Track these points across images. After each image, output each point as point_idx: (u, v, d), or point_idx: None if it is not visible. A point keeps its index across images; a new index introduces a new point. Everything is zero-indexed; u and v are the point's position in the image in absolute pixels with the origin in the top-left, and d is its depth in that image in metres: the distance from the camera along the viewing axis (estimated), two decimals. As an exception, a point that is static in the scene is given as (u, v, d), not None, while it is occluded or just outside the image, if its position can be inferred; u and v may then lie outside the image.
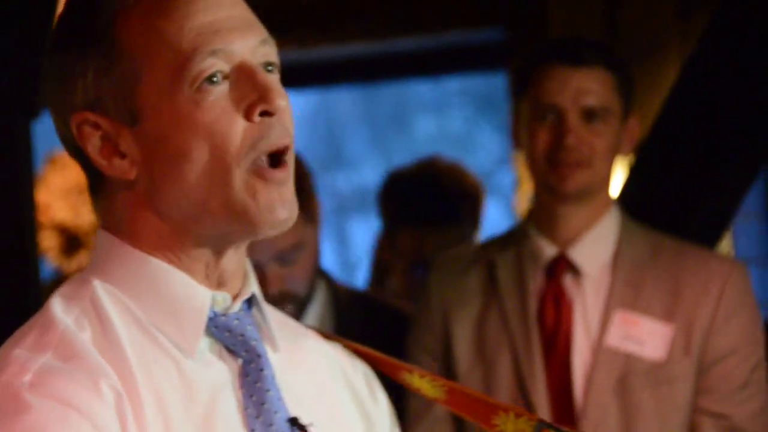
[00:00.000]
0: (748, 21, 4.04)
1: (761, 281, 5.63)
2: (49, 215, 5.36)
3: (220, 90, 1.85)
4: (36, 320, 1.86)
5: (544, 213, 3.54)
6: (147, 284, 1.90)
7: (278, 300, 3.52)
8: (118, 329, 1.85)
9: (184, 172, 1.85)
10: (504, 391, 3.41)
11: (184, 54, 1.84)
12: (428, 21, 6.03)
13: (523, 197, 5.73)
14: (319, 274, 3.97)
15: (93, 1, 1.89)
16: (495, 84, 6.98)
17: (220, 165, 1.85)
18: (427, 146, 10.08)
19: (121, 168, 1.87)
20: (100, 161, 1.88)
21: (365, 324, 3.89)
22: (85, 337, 1.83)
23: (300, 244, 3.66)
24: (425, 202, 4.65)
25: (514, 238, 3.63)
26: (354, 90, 9.61)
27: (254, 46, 1.88)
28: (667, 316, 3.42)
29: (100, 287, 1.89)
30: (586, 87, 3.43)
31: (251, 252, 3.04)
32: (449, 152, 6.76)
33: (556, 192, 3.46)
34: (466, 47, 6.36)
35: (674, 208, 3.88)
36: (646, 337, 3.41)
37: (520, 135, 3.54)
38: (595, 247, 3.49)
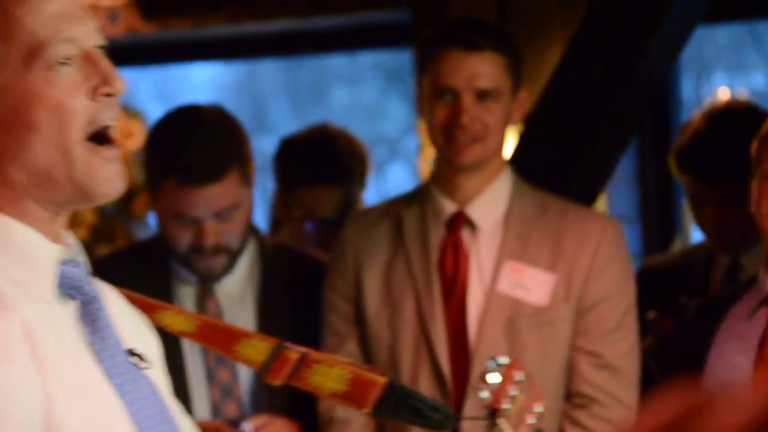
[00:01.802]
0: (618, 11, 4.08)
1: (632, 237, 5.67)
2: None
3: (69, 71, 1.87)
4: None
5: (443, 176, 3.55)
6: (4, 239, 1.89)
7: (214, 251, 3.55)
8: None
9: (31, 142, 1.85)
10: (408, 330, 3.43)
11: (39, 38, 1.85)
12: (344, 2, 6.02)
13: (426, 161, 5.71)
14: (251, 229, 3.99)
15: None
16: (403, 59, 7.00)
17: (64, 138, 1.86)
18: (341, 115, 10.06)
19: None
20: None
21: (289, 271, 3.91)
22: None
23: (237, 203, 3.67)
24: (318, 164, 4.63)
25: (418, 197, 3.64)
26: (277, 63, 9.58)
27: (93, 31, 1.91)
28: (551, 266, 3.45)
29: None
30: (478, 70, 3.43)
31: (193, 209, 3.06)
32: (362, 120, 6.71)
33: (452, 163, 3.48)
34: (377, 26, 6.34)
35: (558, 171, 3.89)
36: (532, 284, 3.44)
37: (423, 107, 3.55)
38: (490, 205, 3.50)
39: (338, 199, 4.54)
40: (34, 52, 1.85)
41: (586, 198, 3.97)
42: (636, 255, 5.48)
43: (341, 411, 3.49)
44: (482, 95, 3.43)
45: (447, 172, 3.54)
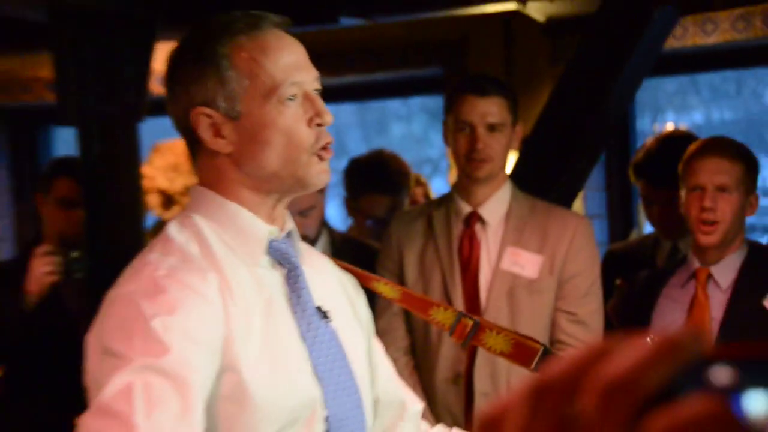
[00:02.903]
0: (588, 68, 4.06)
1: (601, 229, 5.64)
2: (153, 183, 5.32)
3: (294, 105, 1.90)
4: (159, 239, 1.90)
5: (463, 186, 3.52)
6: (229, 219, 1.92)
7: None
8: (213, 246, 1.89)
9: (264, 152, 1.88)
10: (436, 296, 3.41)
11: (276, 81, 1.88)
12: (398, 63, 6.00)
13: (453, 175, 5.72)
14: (324, 224, 3.98)
15: (210, 36, 1.91)
16: (440, 102, 7.03)
17: (290, 151, 1.89)
18: (398, 142, 10.04)
19: (221, 145, 1.90)
20: (207, 139, 1.90)
21: (351, 255, 3.90)
22: (193, 250, 1.87)
23: (314, 205, 3.88)
24: (375, 178, 4.65)
25: (444, 201, 3.62)
26: (352, 105, 9.63)
27: (313, 79, 1.94)
28: (539, 250, 3.43)
29: (199, 220, 1.92)
30: (489, 110, 3.41)
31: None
32: (412, 146, 6.62)
33: (470, 177, 3.46)
34: (421, 78, 6.34)
35: (544, 182, 3.88)
36: (526, 263, 3.42)
37: (448, 138, 3.53)
38: (495, 206, 3.48)
39: (388, 204, 4.53)
40: (271, 90, 1.88)
41: (566, 201, 3.97)
42: (604, 242, 5.45)
43: (390, 350, 3.49)
44: (491, 128, 3.41)
45: (465, 183, 3.51)
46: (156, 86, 5.67)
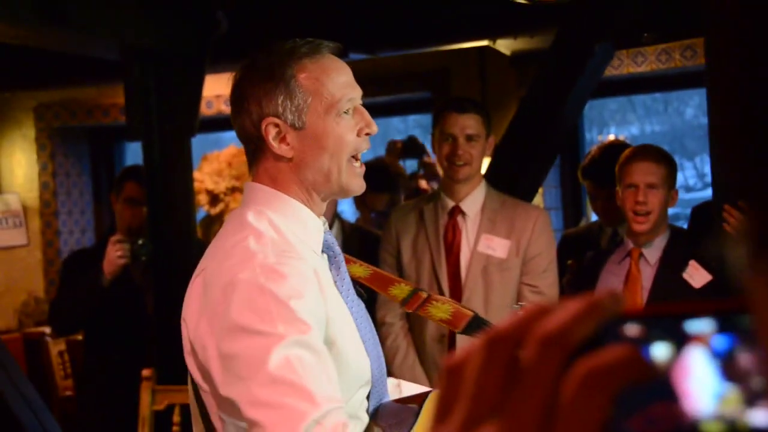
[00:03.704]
0: (545, 90, 4.05)
1: (557, 219, 5.62)
2: (202, 185, 5.33)
3: (348, 118, 1.82)
4: (242, 228, 1.74)
5: (447, 186, 3.50)
6: (293, 213, 1.81)
7: None
8: (289, 237, 1.76)
9: (322, 158, 1.80)
10: (425, 274, 3.38)
11: (335, 97, 1.81)
12: (396, 87, 5.98)
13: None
14: (336, 215, 3.96)
15: (280, 59, 1.83)
16: (430, 119, 7.03)
17: (339, 157, 1.81)
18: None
19: (285, 150, 1.80)
20: (274, 145, 1.80)
21: (359, 241, 3.90)
22: (278, 239, 1.74)
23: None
24: (378, 179, 4.62)
25: (433, 197, 3.59)
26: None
27: (360, 95, 1.86)
28: (507, 236, 3.39)
29: (271, 214, 1.78)
30: (467, 124, 3.38)
31: None
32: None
33: (452, 178, 3.43)
34: (416, 100, 6.31)
35: (512, 181, 3.86)
36: (497, 246, 3.39)
37: (435, 147, 3.51)
38: (473, 202, 3.45)
39: (388, 200, 4.52)
40: (331, 105, 1.81)
41: (528, 197, 3.94)
42: (560, 229, 5.42)
43: (389, 317, 3.47)
44: (469, 138, 3.38)
45: (449, 183, 3.48)
46: (204, 108, 5.66)
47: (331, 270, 1.83)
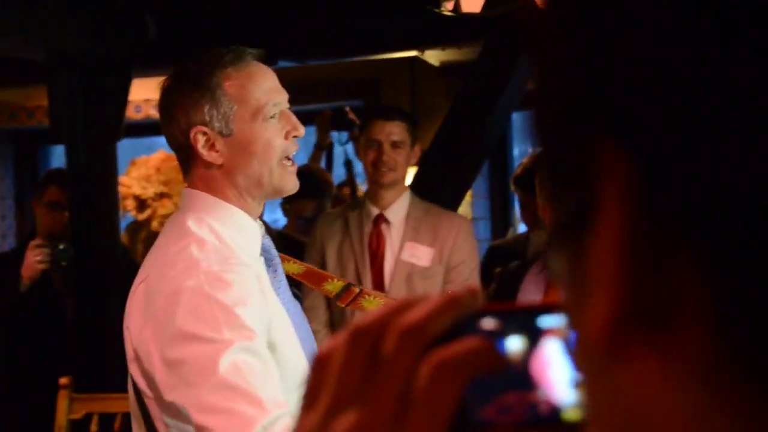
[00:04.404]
0: (470, 101, 4.11)
1: (485, 229, 5.68)
2: (129, 191, 5.27)
3: (274, 122, 1.87)
4: (185, 238, 1.77)
5: (372, 193, 3.54)
6: (234, 220, 1.85)
7: None
8: (229, 243, 1.79)
9: (252, 163, 1.85)
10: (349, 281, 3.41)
11: (260, 103, 1.86)
12: (328, 96, 5.99)
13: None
14: (263, 221, 3.94)
15: (204, 68, 1.88)
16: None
17: (269, 161, 1.85)
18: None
19: (215, 158, 1.85)
20: (203, 153, 1.85)
21: (285, 248, 3.88)
22: (221, 247, 1.77)
23: None
24: (304, 186, 4.60)
25: (358, 205, 3.63)
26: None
27: (286, 99, 1.91)
28: (431, 244, 3.45)
29: (210, 220, 1.82)
30: (392, 130, 3.43)
31: None
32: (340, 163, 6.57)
33: (377, 183, 3.47)
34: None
35: (436, 190, 3.90)
36: (421, 254, 3.44)
37: (360, 153, 3.55)
38: (397, 210, 3.50)
39: (315, 206, 4.51)
40: (257, 111, 1.85)
41: (452, 206, 3.98)
42: (488, 239, 5.48)
43: (313, 324, 3.48)
44: (394, 144, 3.43)
45: (374, 190, 3.53)
46: (131, 112, 5.60)
47: (268, 272, 1.87)
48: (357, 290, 2.20)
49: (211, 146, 1.85)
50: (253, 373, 1.58)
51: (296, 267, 2.19)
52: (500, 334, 0.48)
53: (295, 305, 1.93)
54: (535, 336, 0.48)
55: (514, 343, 0.48)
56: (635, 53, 0.34)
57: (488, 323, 0.49)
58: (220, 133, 1.84)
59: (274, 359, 1.68)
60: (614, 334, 0.35)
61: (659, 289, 0.34)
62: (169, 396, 1.64)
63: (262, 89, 1.87)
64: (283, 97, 1.90)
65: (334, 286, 2.21)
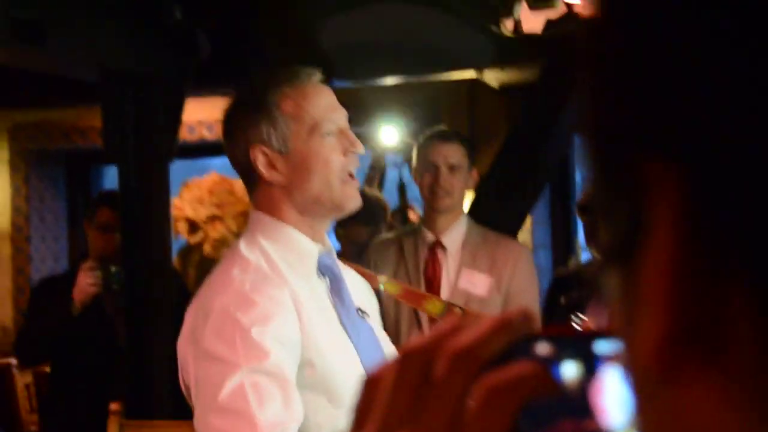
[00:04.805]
0: (529, 128, 4.09)
1: (545, 256, 5.64)
2: (182, 213, 5.34)
3: (332, 139, 1.91)
4: (234, 258, 1.89)
5: (428, 218, 3.53)
6: (286, 240, 1.91)
7: None
8: (277, 263, 1.87)
9: (311, 180, 1.90)
10: (405, 310, 3.38)
11: (316, 120, 1.91)
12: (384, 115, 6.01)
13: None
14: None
15: (261, 89, 1.95)
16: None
17: (329, 176, 1.89)
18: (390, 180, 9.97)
19: (275, 176, 1.91)
20: (264, 172, 1.91)
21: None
22: (264, 266, 1.86)
23: None
24: (359, 212, 4.59)
25: (413, 230, 3.62)
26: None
27: (344, 116, 1.96)
28: (489, 272, 3.41)
29: (264, 242, 1.90)
30: (450, 153, 3.42)
31: None
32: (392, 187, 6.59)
33: (433, 208, 3.46)
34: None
35: (494, 216, 3.87)
36: (478, 282, 3.40)
37: (416, 177, 3.54)
38: (454, 236, 3.47)
39: (368, 232, 4.51)
40: (313, 128, 1.91)
41: (512, 232, 3.96)
42: (548, 267, 5.44)
43: None
44: (451, 168, 3.41)
45: (430, 215, 3.50)
46: (185, 133, 5.69)
47: (330, 293, 1.92)
48: (459, 311, 2.26)
49: (271, 165, 1.91)
50: (258, 394, 1.66)
51: (393, 287, 2.30)
52: (555, 359, 0.48)
53: (362, 324, 1.97)
54: (590, 362, 0.48)
55: (569, 369, 0.48)
56: (685, 71, 0.34)
57: (543, 348, 0.49)
58: (279, 151, 1.90)
59: (310, 377, 1.79)
60: (667, 356, 0.35)
61: (712, 311, 0.34)
62: (195, 413, 1.76)
63: (318, 106, 1.92)
64: (340, 114, 1.95)
65: (435, 306, 2.27)
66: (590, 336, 0.49)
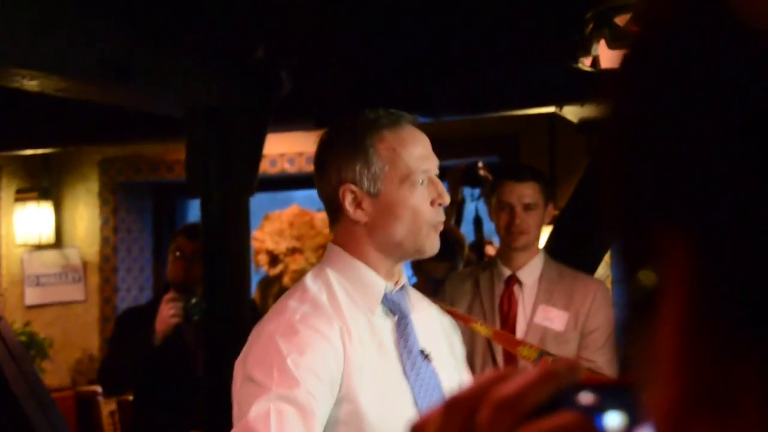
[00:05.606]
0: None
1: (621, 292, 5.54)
2: (263, 245, 5.40)
3: (422, 188, 1.95)
4: (298, 287, 1.94)
5: (504, 254, 3.51)
6: (354, 274, 1.95)
7: None
8: (339, 296, 1.91)
9: (395, 225, 1.94)
10: (479, 344, 3.36)
11: (410, 169, 1.94)
12: (464, 152, 6.02)
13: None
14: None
15: (361, 129, 1.98)
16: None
17: (416, 225, 1.94)
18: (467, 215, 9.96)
19: (360, 215, 1.95)
20: (350, 210, 1.96)
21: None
22: (323, 298, 1.90)
23: None
24: (440, 247, 4.58)
25: (489, 265, 3.61)
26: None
27: (436, 166, 2.00)
28: (566, 308, 3.38)
29: (330, 273, 1.95)
30: (525, 193, 3.41)
31: None
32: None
33: (510, 247, 3.45)
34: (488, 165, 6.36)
35: (572, 252, 3.83)
36: (555, 318, 3.38)
37: (492, 216, 3.54)
38: (530, 271, 3.45)
39: (446, 267, 4.50)
40: (406, 176, 1.94)
41: (589, 268, 3.90)
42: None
43: None
44: (527, 207, 3.41)
45: (506, 251, 3.50)
46: (266, 166, 5.77)
47: (396, 330, 1.95)
48: (551, 358, 2.25)
49: (358, 204, 1.95)
50: (281, 421, 1.69)
51: (484, 329, 2.36)
52: (599, 409, 0.48)
53: (425, 366, 1.96)
54: (634, 412, 0.48)
55: (613, 419, 0.48)
56: (694, 149, 0.37)
57: (587, 397, 0.49)
58: (368, 192, 1.94)
59: (345, 411, 1.80)
60: (680, 416, 0.36)
61: (722, 374, 0.34)
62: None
63: (414, 155, 1.95)
64: (432, 164, 1.98)
65: (530, 352, 2.35)
66: (634, 386, 0.48)
